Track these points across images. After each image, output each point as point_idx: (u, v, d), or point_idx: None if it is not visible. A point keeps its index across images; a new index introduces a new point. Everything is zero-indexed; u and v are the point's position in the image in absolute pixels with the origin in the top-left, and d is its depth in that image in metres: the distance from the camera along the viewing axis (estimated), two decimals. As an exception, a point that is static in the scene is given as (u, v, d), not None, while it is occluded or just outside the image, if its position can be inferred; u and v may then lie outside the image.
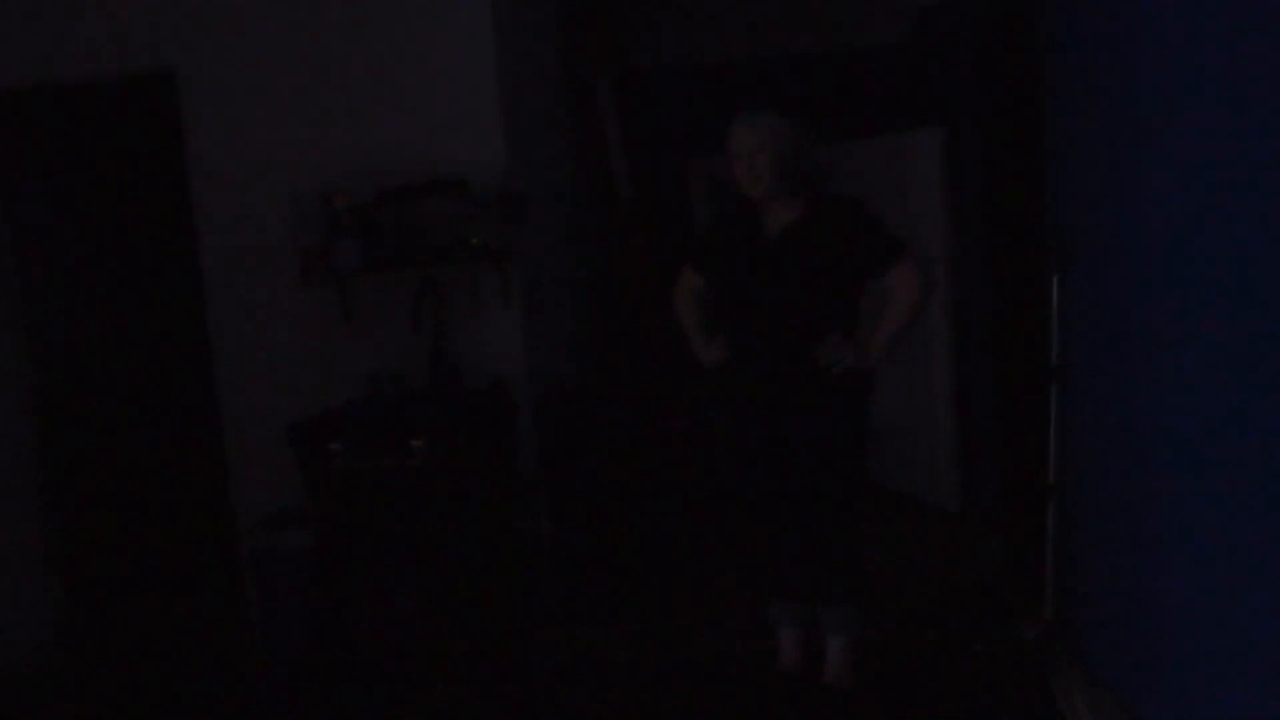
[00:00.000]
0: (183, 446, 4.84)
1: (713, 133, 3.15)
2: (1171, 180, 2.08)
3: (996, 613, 3.52)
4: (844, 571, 3.00)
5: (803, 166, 2.91)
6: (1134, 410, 2.38)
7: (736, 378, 3.04)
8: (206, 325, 3.86)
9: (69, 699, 3.59)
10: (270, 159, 3.73)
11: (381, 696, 3.33)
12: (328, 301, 3.72)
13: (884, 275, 2.85)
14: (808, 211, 2.89)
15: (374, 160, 3.63)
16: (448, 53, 3.61)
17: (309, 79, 3.69)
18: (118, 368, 4.61)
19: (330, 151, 3.68)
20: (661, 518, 4.77)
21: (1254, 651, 1.82)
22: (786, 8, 5.58)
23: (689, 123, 5.40)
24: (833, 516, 2.96)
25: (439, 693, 3.29)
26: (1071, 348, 2.85)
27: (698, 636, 3.56)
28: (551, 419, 3.79)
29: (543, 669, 3.42)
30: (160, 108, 3.94)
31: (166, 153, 4.04)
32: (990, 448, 4.27)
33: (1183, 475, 2.10)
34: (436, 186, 3.50)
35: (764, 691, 3.13)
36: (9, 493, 3.86)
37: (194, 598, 4.34)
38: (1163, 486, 2.22)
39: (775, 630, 3.20)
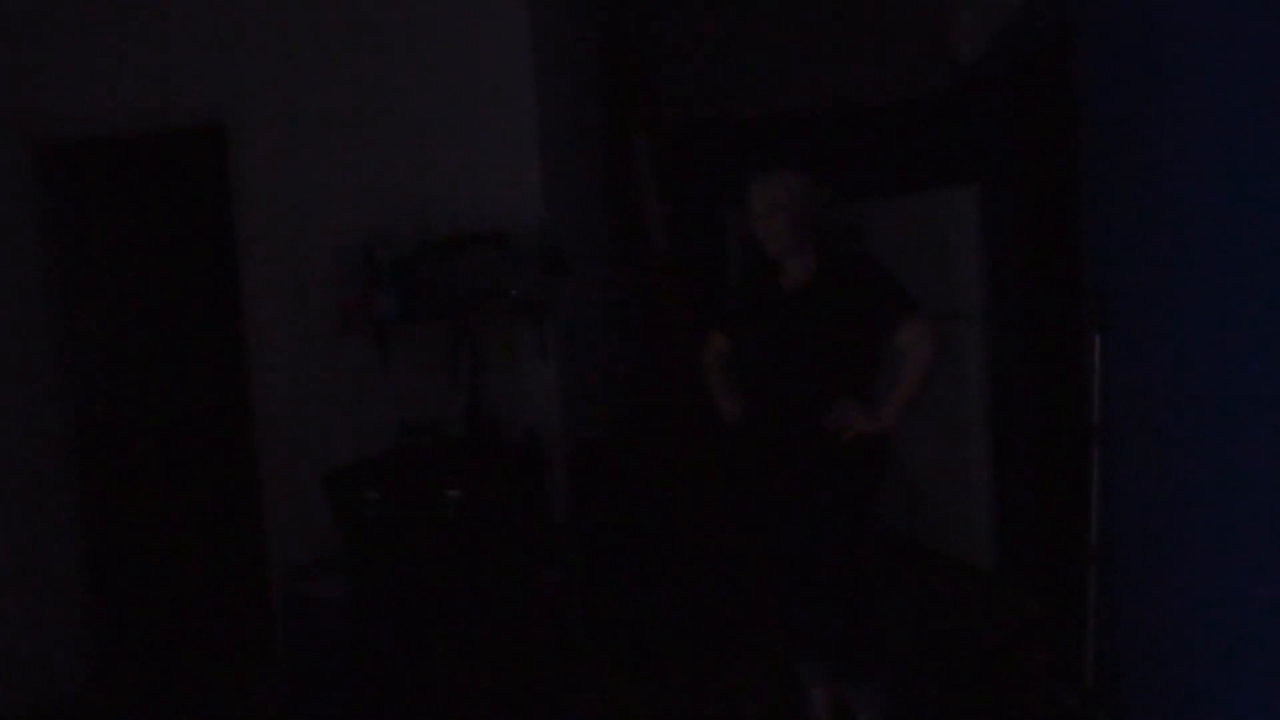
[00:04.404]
0: (220, 492, 4.89)
1: (747, 186, 3.17)
2: (1215, 238, 2.06)
3: (1035, 678, 3.45)
4: (859, 648, 2.91)
5: (820, 223, 2.91)
6: (1179, 472, 2.34)
7: (752, 435, 3.02)
8: (247, 372, 3.92)
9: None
10: (315, 211, 3.80)
11: (410, 748, 3.30)
12: (367, 351, 3.77)
13: (895, 332, 2.80)
14: (821, 268, 2.89)
15: (415, 213, 3.69)
16: (489, 108, 3.68)
17: (353, 133, 3.77)
18: (159, 413, 4.68)
19: (373, 204, 3.75)
20: (693, 572, 4.73)
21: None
22: (823, 63, 5.65)
23: (725, 175, 5.46)
24: (838, 585, 2.86)
25: (468, 746, 3.26)
26: (1113, 408, 2.82)
27: (728, 693, 3.52)
28: (585, 471, 3.79)
29: (572, 724, 3.38)
30: (210, 160, 4.04)
31: (215, 204, 4.13)
32: (1029, 507, 4.22)
33: (1231, 538, 2.06)
34: (476, 239, 3.55)
35: (796, 753, 3.08)
36: (49, 536, 3.91)
37: (227, 643, 4.35)
38: (1210, 552, 2.18)
39: (806, 688, 3.15)
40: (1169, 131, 2.29)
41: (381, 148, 3.76)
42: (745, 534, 4.70)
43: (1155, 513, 2.53)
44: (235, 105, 3.83)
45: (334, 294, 3.74)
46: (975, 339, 4.59)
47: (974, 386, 4.63)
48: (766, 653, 3.78)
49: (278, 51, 3.81)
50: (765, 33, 5.73)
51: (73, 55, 3.90)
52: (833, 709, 3.10)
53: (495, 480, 3.32)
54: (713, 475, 4.85)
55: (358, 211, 3.76)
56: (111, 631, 4.16)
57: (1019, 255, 4.16)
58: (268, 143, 3.82)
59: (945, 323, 4.49)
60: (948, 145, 5.25)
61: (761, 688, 3.53)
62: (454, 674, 3.29)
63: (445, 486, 3.18)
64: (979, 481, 4.68)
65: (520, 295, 3.53)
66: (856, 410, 2.78)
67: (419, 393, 3.74)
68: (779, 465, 2.94)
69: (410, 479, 3.31)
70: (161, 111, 3.88)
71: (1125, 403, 2.73)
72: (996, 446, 4.60)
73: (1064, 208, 3.32)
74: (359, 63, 3.76)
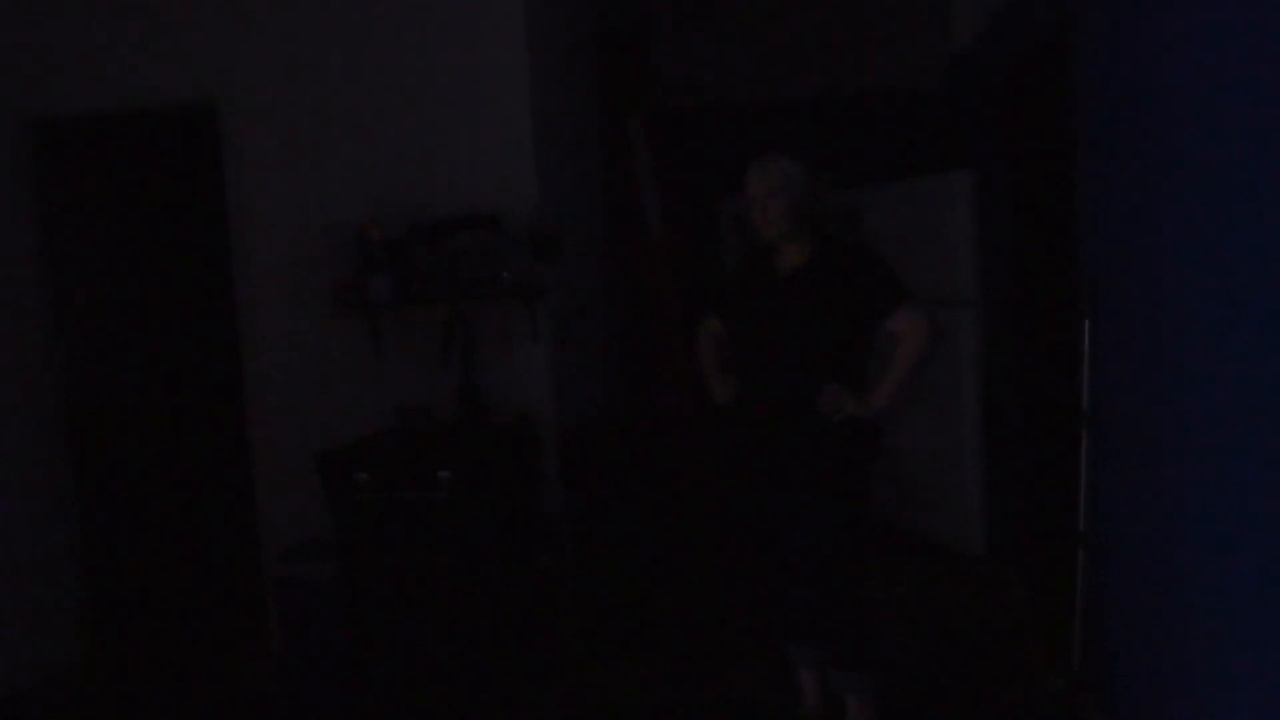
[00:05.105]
0: (212, 474, 4.88)
1: (745, 172, 3.17)
2: (1206, 226, 2.07)
3: (1022, 662, 3.47)
4: (849, 633, 2.93)
5: (816, 211, 2.92)
6: (1168, 458, 2.35)
7: (742, 418, 3.03)
8: (239, 354, 3.91)
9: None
10: (306, 192, 3.79)
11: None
12: (359, 333, 3.76)
13: (887, 320, 2.80)
14: (815, 255, 2.89)
15: (408, 195, 3.68)
16: (483, 90, 3.66)
17: (346, 114, 3.75)
18: (150, 393, 4.66)
19: (365, 185, 3.73)
20: (684, 556, 4.74)
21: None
22: (820, 51, 5.64)
23: (721, 162, 5.45)
24: (829, 570, 2.88)
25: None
26: (1104, 394, 2.83)
27: (720, 677, 3.53)
28: (577, 455, 3.80)
29: (563, 708, 3.39)
30: (201, 139, 4.02)
31: (206, 183, 4.12)
32: (1019, 493, 4.23)
33: (1219, 525, 2.08)
34: (469, 222, 3.54)
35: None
36: (41, 517, 3.91)
37: (220, 624, 4.36)
38: (1198, 536, 2.19)
39: (796, 672, 3.17)
40: (1164, 119, 2.29)
41: (374, 129, 3.74)
42: (737, 518, 4.72)
43: (1144, 499, 2.54)
44: (226, 84, 3.80)
45: (326, 276, 3.72)
46: (968, 325, 4.59)
47: (966, 373, 4.64)
48: (758, 637, 3.79)
49: (270, 30, 3.78)
50: (762, 19, 5.71)
51: (64, 33, 3.88)
52: (823, 693, 3.12)
53: (487, 463, 3.33)
54: (705, 460, 4.86)
55: (350, 193, 3.74)
56: (104, 611, 4.16)
57: (1013, 241, 4.16)
58: (259, 122, 3.80)
59: (938, 308, 4.49)
60: (944, 132, 5.24)
61: (752, 672, 3.54)
62: (445, 656, 3.30)
63: (437, 469, 3.18)
64: (970, 468, 4.69)
65: (513, 279, 3.52)
66: (847, 394, 2.79)
67: (411, 376, 3.74)
68: (771, 449, 2.94)
69: (402, 461, 3.31)
70: (153, 89, 3.86)
71: (1115, 389, 2.74)
72: (987, 433, 4.62)
73: (1058, 194, 3.32)
74: (352, 42, 3.74)
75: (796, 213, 2.86)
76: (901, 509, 5.08)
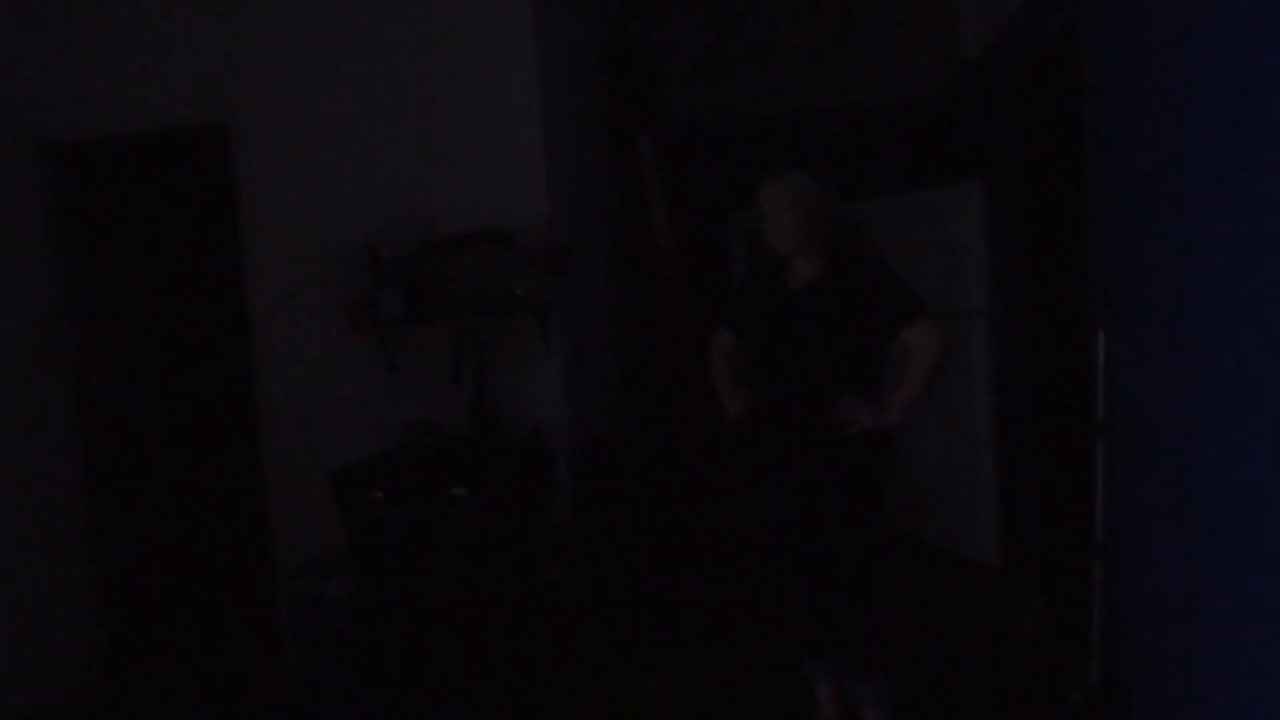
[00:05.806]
0: (226, 491, 4.90)
1: (754, 185, 3.18)
2: (1218, 233, 2.06)
3: (1041, 674, 3.45)
4: (865, 645, 2.93)
5: (827, 224, 2.92)
6: (1184, 467, 2.34)
7: (756, 431, 3.03)
8: (252, 371, 3.92)
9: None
10: (318, 210, 3.81)
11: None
12: (371, 351, 3.77)
13: (900, 333, 2.81)
14: (827, 268, 2.90)
15: (419, 212, 3.69)
16: (492, 107, 3.68)
17: (356, 133, 3.77)
18: (165, 412, 4.69)
19: (376, 203, 3.75)
20: (697, 570, 4.73)
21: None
22: (828, 62, 5.65)
23: (730, 175, 5.47)
24: (845, 582, 2.88)
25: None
26: (1118, 403, 2.81)
27: (735, 691, 3.52)
28: (589, 469, 3.80)
29: (578, 722, 3.39)
30: (214, 160, 4.05)
31: (219, 204, 4.14)
32: (1034, 503, 4.21)
33: (1237, 534, 2.06)
34: (480, 238, 3.55)
35: (802, 750, 3.08)
36: (58, 535, 3.93)
37: (235, 642, 4.37)
38: (1214, 548, 2.17)
39: (812, 685, 3.15)
40: (1173, 127, 2.28)
41: (385, 147, 3.76)
42: (750, 532, 4.70)
43: (1160, 509, 2.53)
44: (238, 105, 3.83)
45: (338, 294, 3.74)
46: (979, 335, 4.58)
47: (978, 383, 4.63)
48: (772, 650, 3.78)
49: (281, 51, 3.81)
50: (770, 32, 5.73)
51: (76, 56, 3.92)
52: (839, 706, 3.10)
53: (500, 479, 3.33)
54: (717, 473, 4.85)
55: (361, 211, 3.76)
56: (120, 629, 4.18)
57: (1023, 251, 4.15)
58: (271, 142, 3.83)
59: (949, 319, 4.49)
60: (953, 143, 5.24)
61: (767, 685, 3.53)
62: (458, 672, 3.30)
63: (451, 485, 3.19)
64: (984, 478, 4.67)
65: (524, 294, 3.53)
66: (861, 406, 2.79)
67: (424, 392, 3.75)
68: (784, 463, 2.94)
69: (415, 478, 3.31)
70: (165, 111, 3.89)
71: (1129, 399, 2.73)
72: (1001, 443, 4.60)
73: (1068, 204, 3.32)
74: (362, 62, 3.76)
75: (809, 226, 2.86)
76: (916, 519, 5.06)
